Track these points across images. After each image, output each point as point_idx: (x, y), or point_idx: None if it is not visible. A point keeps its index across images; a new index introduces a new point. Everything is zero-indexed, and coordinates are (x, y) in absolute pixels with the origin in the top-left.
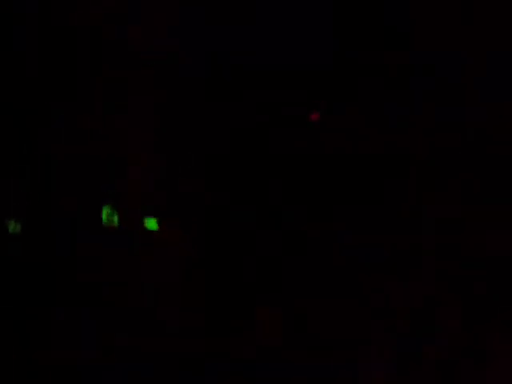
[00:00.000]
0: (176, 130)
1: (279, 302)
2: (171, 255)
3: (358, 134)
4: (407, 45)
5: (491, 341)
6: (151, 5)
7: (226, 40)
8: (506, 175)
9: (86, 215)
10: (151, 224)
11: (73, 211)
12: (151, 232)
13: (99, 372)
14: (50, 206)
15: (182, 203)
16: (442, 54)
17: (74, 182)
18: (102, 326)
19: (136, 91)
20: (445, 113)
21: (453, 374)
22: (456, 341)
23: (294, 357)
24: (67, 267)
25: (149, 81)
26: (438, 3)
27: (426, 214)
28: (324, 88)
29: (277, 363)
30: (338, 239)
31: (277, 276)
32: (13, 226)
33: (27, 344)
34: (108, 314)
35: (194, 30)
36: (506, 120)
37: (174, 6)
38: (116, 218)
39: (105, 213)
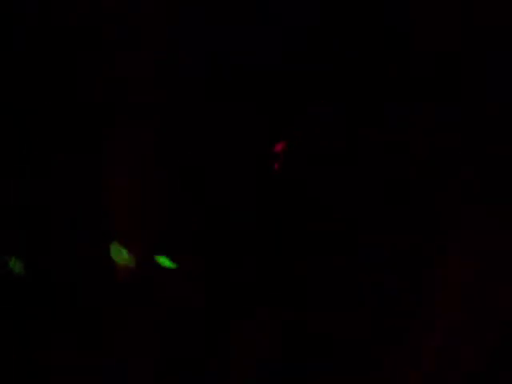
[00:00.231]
0: (176, 130)
1: (279, 303)
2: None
3: (358, 134)
4: (407, 45)
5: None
6: (151, 5)
7: (226, 40)
8: (506, 175)
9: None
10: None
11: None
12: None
13: (99, 372)
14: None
15: (183, 208)
16: (442, 53)
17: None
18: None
19: (136, 91)
20: (445, 113)
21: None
22: (460, 342)
23: (295, 358)
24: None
25: (149, 81)
26: (438, 3)
27: (426, 214)
28: (324, 88)
29: (277, 364)
30: (338, 240)
31: (277, 277)
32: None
33: (27, 344)
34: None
35: (194, 30)
36: (506, 120)
37: (174, 6)
38: (126, 254)
39: (114, 251)
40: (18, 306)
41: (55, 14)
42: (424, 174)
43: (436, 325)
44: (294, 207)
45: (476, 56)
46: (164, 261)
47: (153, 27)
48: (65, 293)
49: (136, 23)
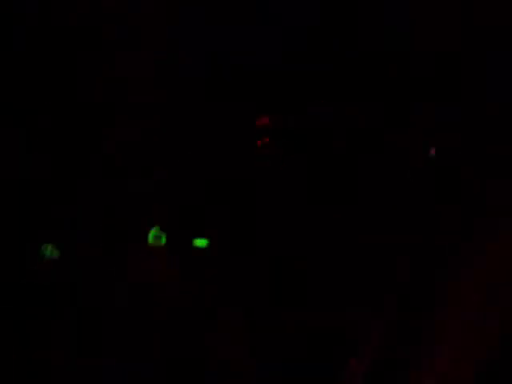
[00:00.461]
0: (176, 130)
1: (283, 304)
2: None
3: (358, 134)
4: (407, 45)
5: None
6: (151, 5)
7: (226, 40)
8: (505, 175)
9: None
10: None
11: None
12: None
13: (99, 372)
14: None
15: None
16: (442, 53)
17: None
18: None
19: (136, 91)
20: (445, 113)
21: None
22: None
23: (295, 359)
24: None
25: (149, 81)
26: (438, 3)
27: (426, 214)
28: (324, 88)
29: (277, 364)
30: (337, 240)
31: (276, 277)
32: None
33: (27, 344)
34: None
35: (194, 29)
36: (506, 120)
37: (174, 6)
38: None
39: (153, 233)
40: (17, 306)
41: (55, 14)
42: (424, 173)
43: (449, 324)
44: (294, 207)
45: (476, 56)
46: (200, 241)
47: (154, 26)
48: (65, 293)
49: (136, 23)
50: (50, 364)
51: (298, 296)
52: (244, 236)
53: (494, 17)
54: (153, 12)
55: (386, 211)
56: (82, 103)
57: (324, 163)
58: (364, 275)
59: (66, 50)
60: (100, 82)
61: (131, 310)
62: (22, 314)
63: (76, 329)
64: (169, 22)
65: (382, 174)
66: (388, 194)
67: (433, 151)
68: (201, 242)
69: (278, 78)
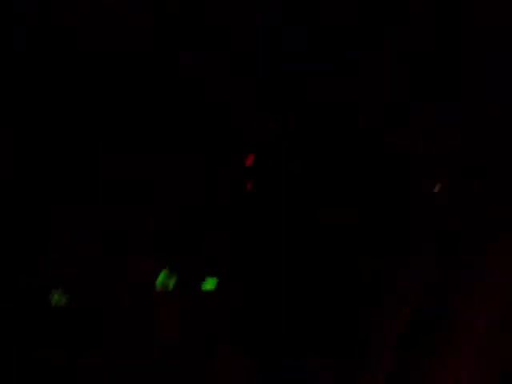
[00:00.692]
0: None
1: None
2: None
3: (358, 134)
4: (407, 45)
5: None
6: (152, 5)
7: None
8: (505, 175)
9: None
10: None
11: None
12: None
13: (99, 372)
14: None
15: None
16: (442, 54)
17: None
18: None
19: (135, 91)
20: (445, 113)
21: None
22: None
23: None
24: None
25: (149, 81)
26: (438, 3)
27: (427, 214)
28: (324, 87)
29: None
30: (334, 240)
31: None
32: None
33: (27, 344)
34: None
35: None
36: (506, 120)
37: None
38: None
39: (161, 277)
40: (18, 306)
41: (55, 14)
42: (424, 173)
43: (475, 325)
44: (293, 209)
45: (476, 56)
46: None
47: (153, 26)
48: (65, 293)
49: (137, 23)
50: (50, 364)
51: (299, 297)
52: (244, 240)
53: (494, 17)
54: (152, 13)
55: (386, 212)
56: (82, 103)
57: (323, 164)
58: (371, 281)
59: (66, 50)
60: (100, 82)
61: (131, 310)
62: (21, 314)
63: (76, 329)
64: (167, 27)
65: (382, 173)
66: (388, 194)
67: (437, 188)
68: (210, 284)
69: (280, 76)
